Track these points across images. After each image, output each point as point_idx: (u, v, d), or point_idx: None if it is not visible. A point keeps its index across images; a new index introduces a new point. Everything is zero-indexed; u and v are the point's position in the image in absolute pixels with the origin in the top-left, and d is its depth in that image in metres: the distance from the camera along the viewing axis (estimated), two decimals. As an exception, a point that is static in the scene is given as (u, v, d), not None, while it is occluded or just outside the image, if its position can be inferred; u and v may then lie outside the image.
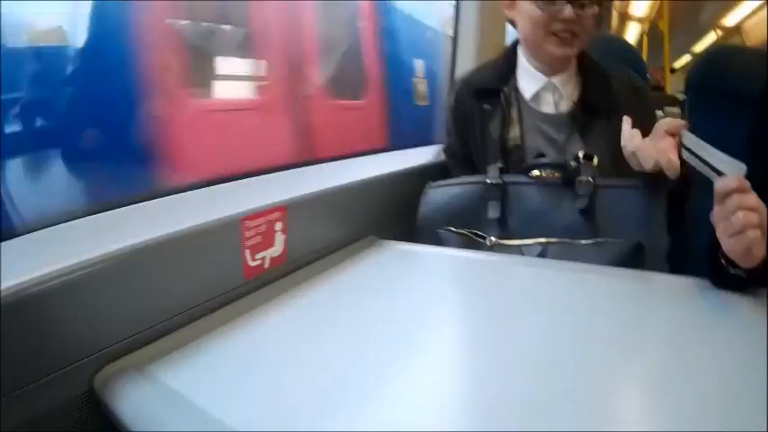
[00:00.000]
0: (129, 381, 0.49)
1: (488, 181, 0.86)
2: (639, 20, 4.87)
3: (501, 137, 0.91)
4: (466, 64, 1.23)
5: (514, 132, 0.90)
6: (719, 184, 0.58)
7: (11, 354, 0.45)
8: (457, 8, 1.23)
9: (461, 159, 0.98)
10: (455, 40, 1.23)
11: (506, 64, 0.96)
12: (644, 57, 4.82)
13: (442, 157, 1.04)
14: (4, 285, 0.44)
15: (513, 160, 0.89)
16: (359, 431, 0.41)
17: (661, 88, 4.23)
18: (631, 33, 5.09)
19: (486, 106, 0.93)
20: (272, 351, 0.55)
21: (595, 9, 0.86)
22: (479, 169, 0.92)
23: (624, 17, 4.64)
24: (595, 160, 0.81)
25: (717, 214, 0.59)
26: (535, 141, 0.91)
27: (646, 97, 0.96)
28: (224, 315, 0.62)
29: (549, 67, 0.91)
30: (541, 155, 0.87)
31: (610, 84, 0.92)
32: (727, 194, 0.57)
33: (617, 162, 0.83)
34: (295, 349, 0.55)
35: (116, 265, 0.52)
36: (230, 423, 0.42)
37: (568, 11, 0.83)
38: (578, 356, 0.50)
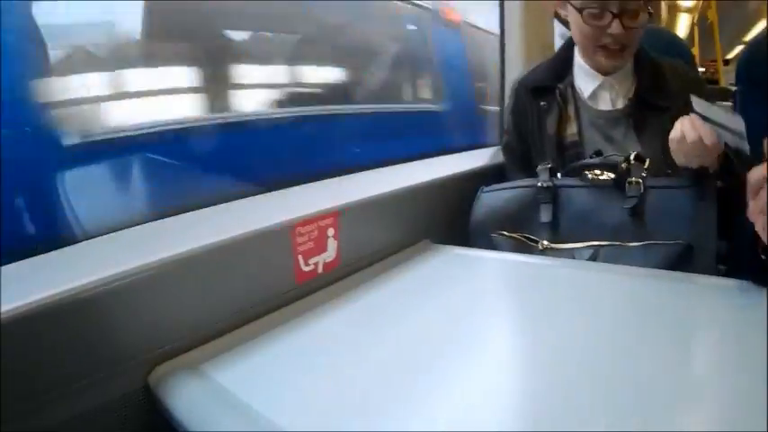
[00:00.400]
0: (182, 378, 0.51)
1: (539, 184, 0.85)
2: (689, 10, 4.68)
3: (558, 133, 0.90)
4: (514, 63, 1.21)
5: (572, 129, 0.90)
6: (751, 176, 0.56)
7: (73, 349, 0.47)
8: (501, 7, 1.21)
9: (518, 157, 0.99)
10: (502, 40, 1.21)
11: (562, 62, 0.96)
12: (696, 49, 4.62)
13: (496, 160, 1.05)
14: (69, 286, 0.46)
15: (571, 156, 0.88)
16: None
17: (714, 81, 4.04)
18: (682, 25, 4.89)
19: (543, 103, 0.93)
20: (323, 353, 0.55)
21: (645, 18, 0.84)
22: (537, 166, 0.91)
23: (673, 9, 4.47)
24: (647, 163, 0.79)
25: (752, 208, 0.57)
26: (593, 138, 0.90)
27: (700, 86, 0.95)
28: (277, 318, 0.63)
29: (604, 73, 0.91)
30: (599, 152, 0.85)
31: (664, 76, 0.90)
32: (759, 185, 0.55)
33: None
34: (347, 351, 0.55)
35: (172, 269, 0.54)
36: (281, 422, 0.42)
37: (616, 27, 0.82)
38: (626, 359, 0.49)
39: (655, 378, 0.46)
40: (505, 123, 1.03)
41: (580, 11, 0.84)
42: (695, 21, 4.71)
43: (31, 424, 0.45)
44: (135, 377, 0.52)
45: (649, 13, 0.85)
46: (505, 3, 1.19)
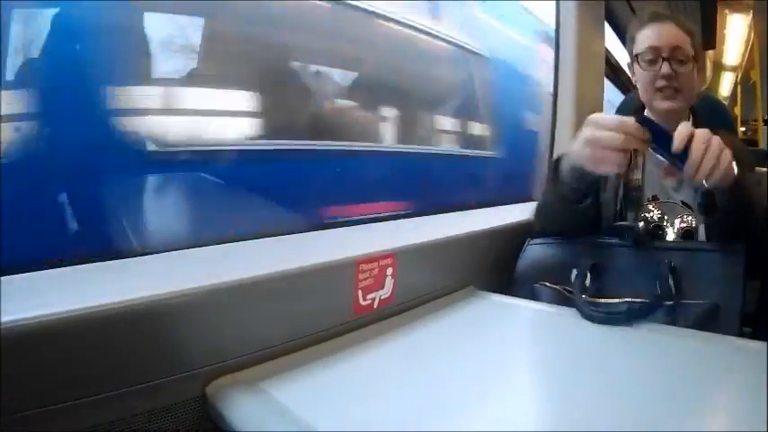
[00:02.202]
0: (239, 391, 0.56)
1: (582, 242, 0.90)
2: (733, 69, 4.66)
3: (624, 176, 0.95)
4: (565, 119, 1.26)
5: (636, 175, 0.96)
6: None
7: (139, 352, 0.52)
8: (556, 65, 1.27)
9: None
10: (555, 96, 1.27)
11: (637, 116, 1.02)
12: (738, 108, 4.58)
13: None
14: (144, 294, 0.52)
15: (631, 199, 0.95)
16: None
17: (754, 142, 3.99)
18: (726, 83, 4.86)
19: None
20: (374, 380, 0.60)
21: (691, 67, 0.94)
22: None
23: (718, 67, 4.46)
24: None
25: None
26: (652, 185, 0.98)
27: (745, 154, 1.00)
28: (333, 345, 0.68)
29: (666, 122, 0.95)
30: (655, 197, 0.94)
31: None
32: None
33: None
34: (394, 381, 0.60)
35: (243, 290, 0.59)
36: None
37: (665, 68, 0.93)
38: (649, 417, 0.51)
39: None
40: None
41: (638, 58, 0.97)
42: (738, 80, 4.68)
43: (91, 414, 0.49)
44: (194, 386, 0.56)
45: (697, 60, 0.95)
46: (560, 64, 1.25)
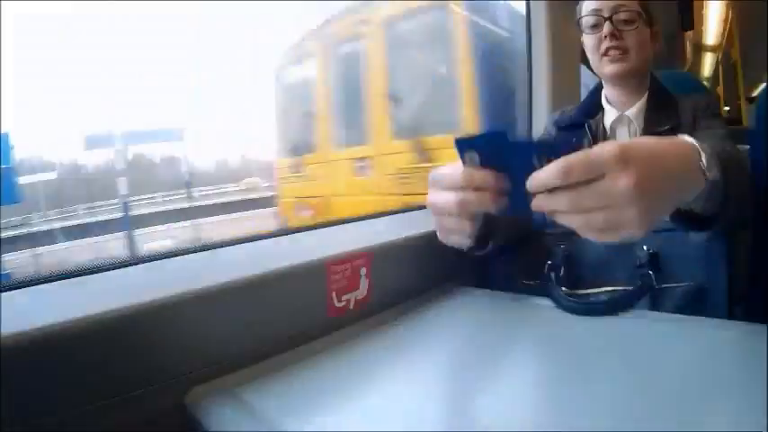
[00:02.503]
0: (218, 399, 0.55)
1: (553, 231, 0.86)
2: (713, 49, 4.69)
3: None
4: (540, 105, 1.25)
5: None
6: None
7: (114, 364, 0.52)
8: (529, 54, 1.26)
9: None
10: (529, 82, 1.26)
11: (592, 103, 1.00)
12: (720, 88, 4.62)
13: None
14: (117, 305, 0.51)
15: None
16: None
17: (737, 120, 4.01)
18: (707, 64, 4.89)
19: (574, 139, 0.95)
20: (352, 383, 0.59)
21: (637, 26, 0.90)
22: None
23: (698, 48, 4.48)
24: None
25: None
26: None
27: (712, 110, 0.95)
28: (310, 348, 0.66)
29: (620, 93, 0.95)
30: None
31: (676, 106, 0.93)
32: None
33: None
34: (373, 383, 0.59)
35: (216, 296, 0.59)
36: None
37: (607, 28, 0.90)
38: (629, 404, 0.50)
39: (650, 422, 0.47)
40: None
41: (580, 24, 0.94)
42: (719, 60, 4.71)
43: (74, 429, 0.49)
44: (173, 396, 0.56)
45: (648, 21, 0.91)
46: (533, 49, 1.24)
